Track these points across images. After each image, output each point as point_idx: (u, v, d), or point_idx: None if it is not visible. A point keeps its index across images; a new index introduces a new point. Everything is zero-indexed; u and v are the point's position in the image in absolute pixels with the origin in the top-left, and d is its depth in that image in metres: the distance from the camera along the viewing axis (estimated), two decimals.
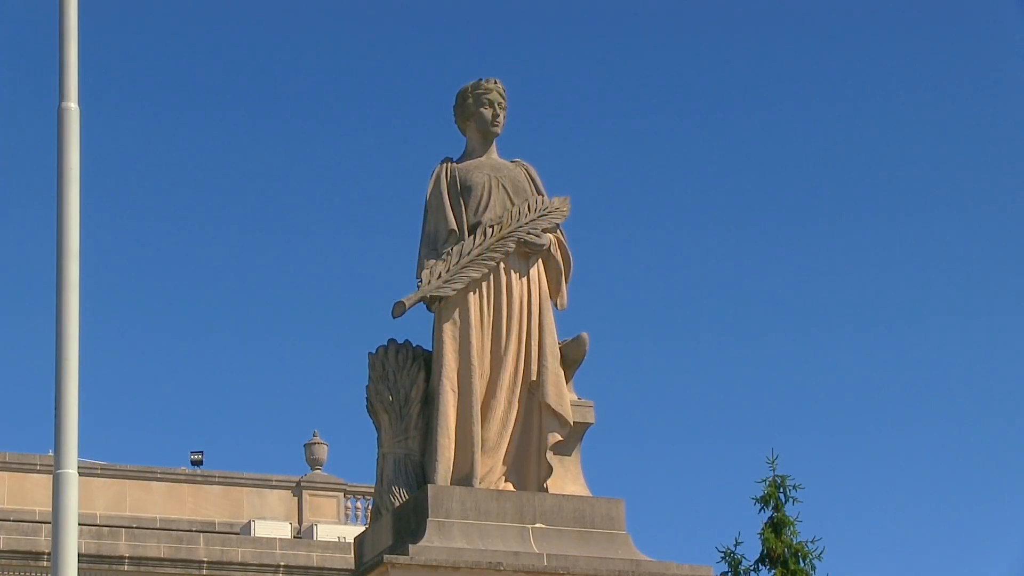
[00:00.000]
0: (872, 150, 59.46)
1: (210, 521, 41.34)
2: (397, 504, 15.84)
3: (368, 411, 16.31)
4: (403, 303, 15.83)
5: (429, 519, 15.43)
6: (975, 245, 56.60)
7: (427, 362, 16.32)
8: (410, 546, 15.26)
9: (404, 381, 16.08)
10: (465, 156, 16.72)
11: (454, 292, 15.97)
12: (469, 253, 16.03)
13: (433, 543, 15.38)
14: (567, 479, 16.41)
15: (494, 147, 16.75)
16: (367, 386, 16.27)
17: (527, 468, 16.38)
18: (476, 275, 16.01)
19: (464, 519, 15.77)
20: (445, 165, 16.56)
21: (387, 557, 15.27)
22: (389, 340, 16.31)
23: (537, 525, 15.98)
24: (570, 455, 16.45)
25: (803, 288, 58.82)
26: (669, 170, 60.15)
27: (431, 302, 16.11)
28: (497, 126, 16.58)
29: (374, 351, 16.24)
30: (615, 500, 16.30)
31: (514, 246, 16.18)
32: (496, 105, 16.51)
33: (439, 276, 15.93)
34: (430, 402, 16.14)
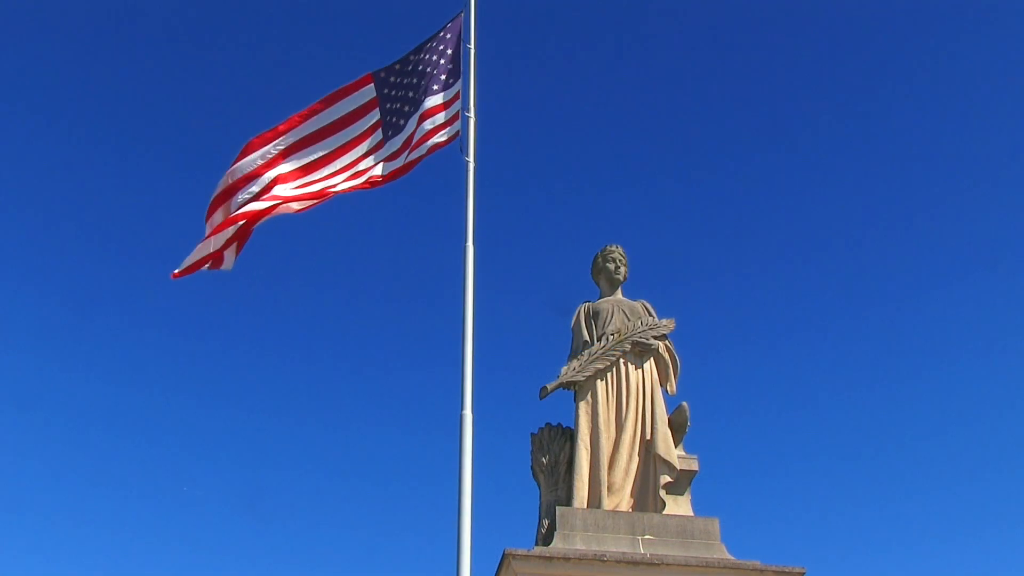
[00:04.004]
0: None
1: None
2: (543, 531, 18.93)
3: (532, 473, 19.90)
4: (546, 388, 19.76)
5: (556, 531, 18.45)
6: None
7: (571, 436, 19.71)
8: (534, 547, 18.20)
9: (554, 448, 19.63)
10: (599, 298, 21.29)
11: (584, 378, 19.94)
12: (596, 352, 20.14)
13: (554, 545, 18.23)
14: (679, 512, 19.12)
15: (620, 291, 21.27)
16: (531, 453, 19.86)
17: (646, 505, 19.33)
18: (601, 366, 20.12)
19: (585, 531, 18.44)
20: (584, 305, 21.04)
21: (507, 550, 17.82)
22: (546, 423, 20.05)
23: (646, 537, 18.46)
24: (682, 495, 19.35)
25: None
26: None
27: (569, 386, 20.08)
28: (619, 275, 21.31)
29: (535, 431, 20.11)
30: (711, 518, 18.84)
31: (630, 347, 20.26)
32: (617, 261, 21.31)
33: (574, 369, 19.95)
34: (572, 462, 19.45)
